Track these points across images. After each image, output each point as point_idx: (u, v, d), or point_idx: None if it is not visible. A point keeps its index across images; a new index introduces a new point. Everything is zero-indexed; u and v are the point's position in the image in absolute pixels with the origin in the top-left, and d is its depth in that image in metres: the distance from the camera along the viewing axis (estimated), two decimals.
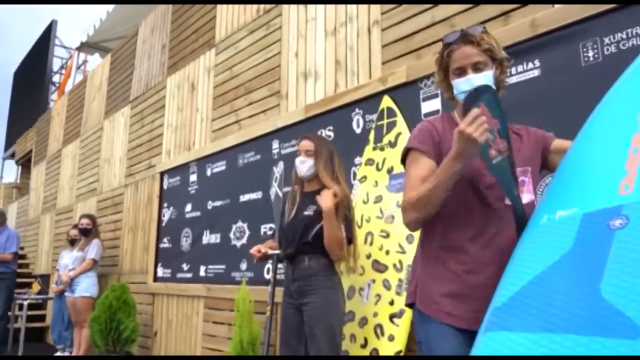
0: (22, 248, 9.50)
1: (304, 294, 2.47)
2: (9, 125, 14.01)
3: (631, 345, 0.93)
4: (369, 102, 3.13)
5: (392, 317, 2.58)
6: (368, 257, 2.79)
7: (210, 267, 4.41)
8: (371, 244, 2.81)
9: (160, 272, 5.12)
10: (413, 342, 2.41)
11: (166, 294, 4.97)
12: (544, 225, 1.29)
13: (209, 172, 4.64)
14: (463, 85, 1.50)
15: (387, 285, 2.65)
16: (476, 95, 1.40)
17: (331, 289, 2.48)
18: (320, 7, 3.72)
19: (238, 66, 4.48)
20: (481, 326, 1.22)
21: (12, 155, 12.87)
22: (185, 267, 4.74)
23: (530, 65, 2.36)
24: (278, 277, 2.95)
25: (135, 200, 5.83)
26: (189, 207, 4.84)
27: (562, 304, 1.08)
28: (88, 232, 5.59)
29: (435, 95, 2.76)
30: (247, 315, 3.46)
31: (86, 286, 5.33)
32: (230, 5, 4.76)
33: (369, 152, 3.03)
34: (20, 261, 8.93)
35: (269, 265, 3.60)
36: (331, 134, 3.41)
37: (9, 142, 13.31)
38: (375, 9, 3.26)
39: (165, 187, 5.30)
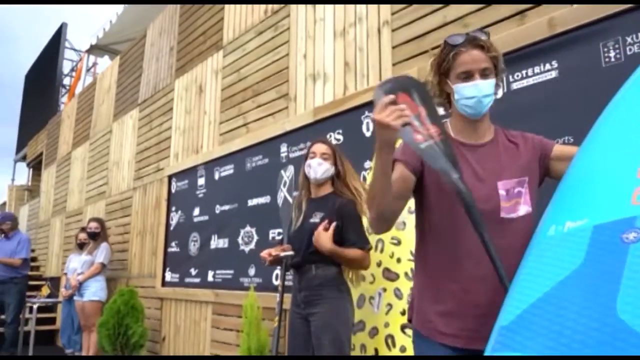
0: (33, 251, 9.55)
1: (311, 304, 2.39)
2: (20, 127, 14.12)
3: None
4: None
5: (403, 328, 2.49)
6: (379, 264, 2.71)
7: (218, 272, 4.35)
8: (382, 251, 2.73)
9: (169, 276, 5.08)
10: None
11: (174, 298, 4.92)
12: (552, 237, 1.21)
13: (217, 176, 4.59)
14: (469, 90, 1.42)
15: (398, 294, 2.57)
16: (396, 86, 1.36)
17: (339, 299, 2.40)
18: (329, 7, 3.64)
19: (246, 68, 4.42)
20: (487, 346, 1.16)
21: (24, 158, 12.96)
22: (193, 271, 4.69)
23: (548, 66, 2.27)
24: (287, 283, 2.88)
25: (144, 204, 5.79)
26: (197, 211, 4.79)
27: (574, 324, 1.01)
28: (96, 236, 5.56)
29: None
30: (255, 322, 3.40)
31: (95, 290, 5.30)
32: (238, 7, 4.70)
33: None
34: (31, 264, 8.99)
35: (277, 271, 3.54)
36: (340, 137, 3.33)
37: (21, 145, 13.40)
38: (386, 9, 3.18)
39: (173, 190, 5.26)
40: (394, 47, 3.09)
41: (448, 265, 1.42)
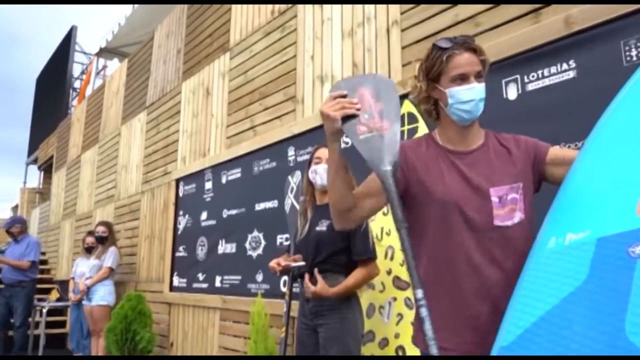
0: (43, 253, 9.58)
1: (319, 314, 2.31)
2: (32, 131, 14.21)
3: None
4: None
5: None
6: (389, 273, 2.63)
7: (225, 277, 4.28)
8: (392, 258, 2.64)
9: (176, 281, 5.03)
10: None
11: (182, 304, 4.87)
12: (552, 250, 1.14)
13: (224, 180, 4.52)
14: (466, 93, 1.35)
15: (409, 304, 2.48)
16: (358, 81, 1.42)
17: (347, 309, 2.31)
18: (337, 7, 3.56)
19: (253, 70, 4.35)
20: None
21: (35, 161, 13.04)
22: (200, 277, 4.64)
23: (565, 66, 2.16)
24: (295, 290, 2.79)
25: (152, 208, 5.75)
26: (204, 215, 4.73)
27: (580, 346, 0.95)
28: (104, 240, 5.54)
29: None
30: (262, 329, 3.32)
31: (103, 294, 5.28)
32: (245, 8, 4.64)
33: None
34: (41, 267, 9.01)
35: (285, 277, 3.46)
36: (348, 140, 3.24)
37: (32, 148, 13.49)
38: (394, 8, 3.09)
39: (180, 194, 5.21)
40: (403, 48, 3.00)
41: (442, 278, 1.36)
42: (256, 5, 4.45)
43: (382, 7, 3.18)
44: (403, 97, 2.86)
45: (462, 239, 1.33)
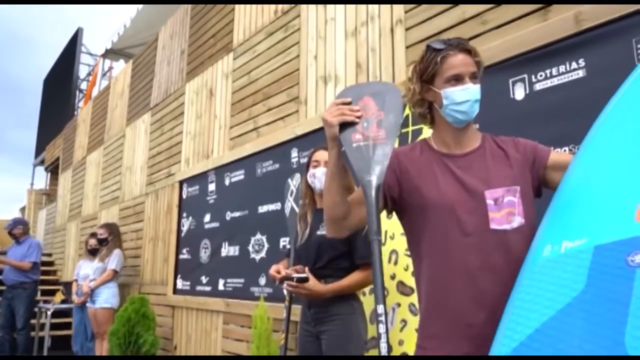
0: (49, 255, 9.60)
1: (321, 321, 2.25)
2: (39, 132, 14.27)
3: None
4: None
5: None
6: (392, 277, 2.56)
7: (229, 280, 4.24)
8: (396, 263, 2.58)
9: (180, 284, 4.99)
10: None
11: (185, 307, 4.83)
12: (548, 259, 1.09)
13: (227, 182, 4.48)
14: (460, 94, 1.32)
15: (413, 310, 2.42)
16: (365, 89, 1.41)
17: (350, 315, 2.25)
18: (340, 7, 3.50)
19: (256, 71, 4.30)
20: None
21: (42, 162, 13.09)
22: (204, 279, 4.59)
23: (574, 65, 2.09)
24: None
25: (156, 210, 5.72)
26: (207, 218, 4.69)
27: None
28: (105, 242, 5.51)
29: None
30: (265, 334, 3.27)
31: (107, 297, 5.25)
32: (248, 8, 4.59)
33: None
34: (47, 268, 9.03)
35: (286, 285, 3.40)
36: None
37: (39, 149, 13.54)
38: (399, 7, 3.02)
39: (184, 196, 5.17)
40: (407, 47, 2.93)
41: (438, 284, 1.32)
42: (259, 5, 4.41)
43: (386, 6, 3.12)
44: None
45: (457, 244, 1.29)
